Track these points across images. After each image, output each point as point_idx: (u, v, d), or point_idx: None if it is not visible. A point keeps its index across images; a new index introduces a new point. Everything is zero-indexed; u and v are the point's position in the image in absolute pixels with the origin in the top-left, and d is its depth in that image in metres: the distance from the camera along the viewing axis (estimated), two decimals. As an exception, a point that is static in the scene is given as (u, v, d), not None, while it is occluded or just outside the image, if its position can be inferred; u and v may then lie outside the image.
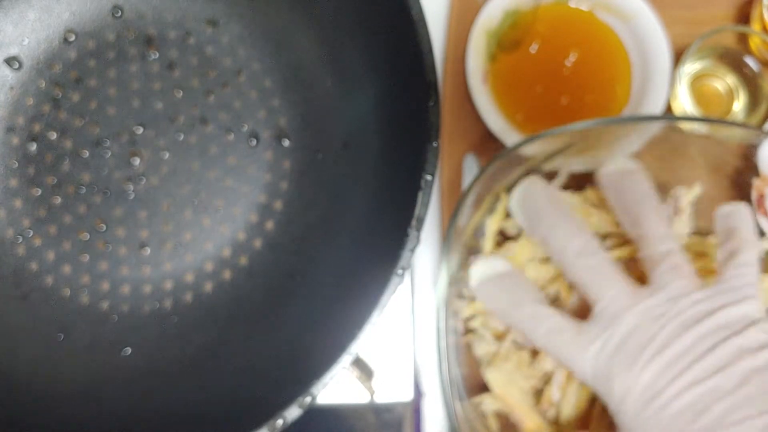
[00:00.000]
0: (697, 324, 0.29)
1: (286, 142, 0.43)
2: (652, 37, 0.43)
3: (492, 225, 0.37)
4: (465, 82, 0.44)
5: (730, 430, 0.27)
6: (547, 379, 0.36)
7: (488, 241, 0.37)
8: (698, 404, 0.28)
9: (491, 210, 0.37)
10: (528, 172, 0.36)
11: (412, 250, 0.35)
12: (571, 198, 0.38)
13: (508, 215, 0.37)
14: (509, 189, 0.36)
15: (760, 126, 0.43)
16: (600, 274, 0.31)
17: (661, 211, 0.33)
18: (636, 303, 0.30)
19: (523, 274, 0.36)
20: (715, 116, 0.44)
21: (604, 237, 0.37)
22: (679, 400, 0.28)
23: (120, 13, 0.43)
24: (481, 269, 0.34)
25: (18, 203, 0.42)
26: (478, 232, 0.37)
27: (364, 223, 0.39)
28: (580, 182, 0.39)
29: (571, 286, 0.36)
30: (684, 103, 0.43)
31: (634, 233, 0.33)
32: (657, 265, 0.31)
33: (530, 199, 0.34)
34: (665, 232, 0.32)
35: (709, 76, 0.45)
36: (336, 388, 0.42)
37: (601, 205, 0.38)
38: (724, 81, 0.45)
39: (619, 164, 0.34)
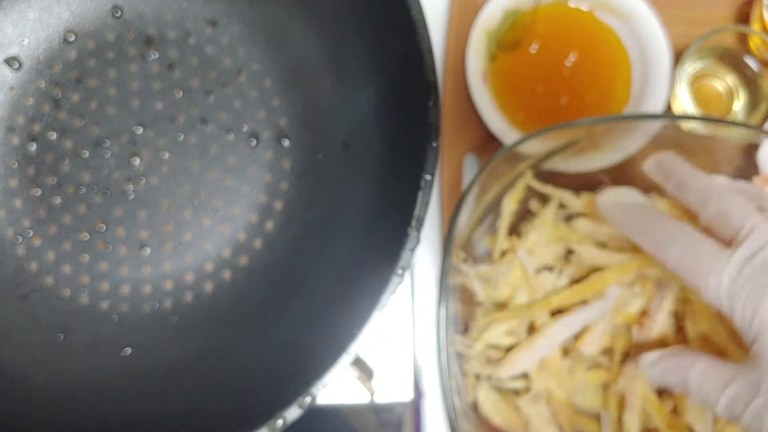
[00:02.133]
0: None
1: (286, 142, 0.43)
2: (652, 37, 0.43)
3: (510, 203, 0.37)
4: (465, 82, 0.44)
5: None
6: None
7: (504, 221, 0.37)
8: None
9: (511, 186, 0.36)
10: (529, 170, 0.36)
11: (412, 250, 0.35)
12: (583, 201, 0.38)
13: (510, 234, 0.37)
14: (533, 166, 0.36)
15: (760, 126, 0.43)
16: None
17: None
18: None
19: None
20: (715, 116, 0.44)
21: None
22: None
23: (120, 13, 0.43)
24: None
25: (18, 203, 0.42)
26: (484, 227, 0.37)
27: (364, 223, 0.39)
28: (587, 183, 0.38)
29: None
30: (684, 103, 0.43)
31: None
32: None
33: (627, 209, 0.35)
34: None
35: (709, 76, 0.45)
36: (336, 388, 0.42)
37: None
38: (724, 81, 0.45)
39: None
